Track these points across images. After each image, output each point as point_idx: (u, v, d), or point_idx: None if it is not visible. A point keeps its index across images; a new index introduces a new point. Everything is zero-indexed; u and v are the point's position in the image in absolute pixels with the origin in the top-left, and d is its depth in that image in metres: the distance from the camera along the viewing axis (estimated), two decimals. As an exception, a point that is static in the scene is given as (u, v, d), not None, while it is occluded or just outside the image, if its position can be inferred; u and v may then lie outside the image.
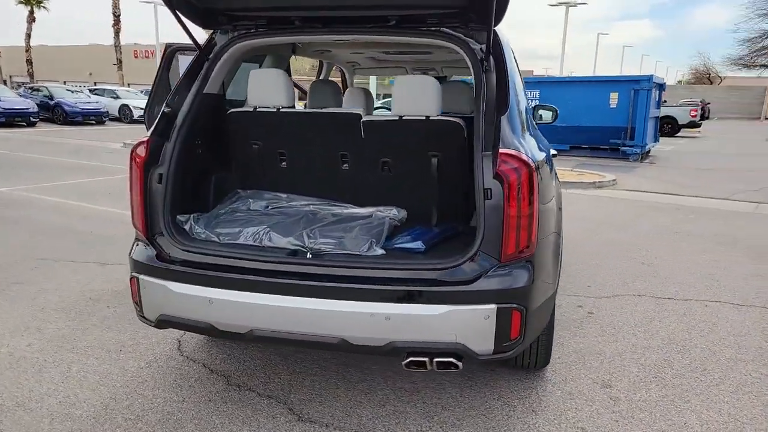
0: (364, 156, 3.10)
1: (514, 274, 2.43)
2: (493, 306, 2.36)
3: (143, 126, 3.29)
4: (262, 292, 2.47)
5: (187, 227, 2.82)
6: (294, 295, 2.44)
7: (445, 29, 2.77)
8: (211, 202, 3.21)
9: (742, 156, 16.90)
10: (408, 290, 2.39)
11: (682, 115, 25.06)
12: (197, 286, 2.55)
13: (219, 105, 3.14)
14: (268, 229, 2.74)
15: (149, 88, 3.94)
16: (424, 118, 2.82)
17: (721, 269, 5.46)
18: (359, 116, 2.99)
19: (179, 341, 3.65)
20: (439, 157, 2.93)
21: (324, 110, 3.17)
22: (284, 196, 3.25)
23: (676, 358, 3.55)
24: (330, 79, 5.30)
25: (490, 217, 2.39)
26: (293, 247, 2.66)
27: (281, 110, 3.07)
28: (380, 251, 2.61)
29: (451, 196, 3.05)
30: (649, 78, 14.42)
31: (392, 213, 2.99)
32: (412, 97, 2.82)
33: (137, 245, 2.82)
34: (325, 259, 2.55)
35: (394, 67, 5.52)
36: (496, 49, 2.71)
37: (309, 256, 2.58)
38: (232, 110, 3.17)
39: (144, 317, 2.75)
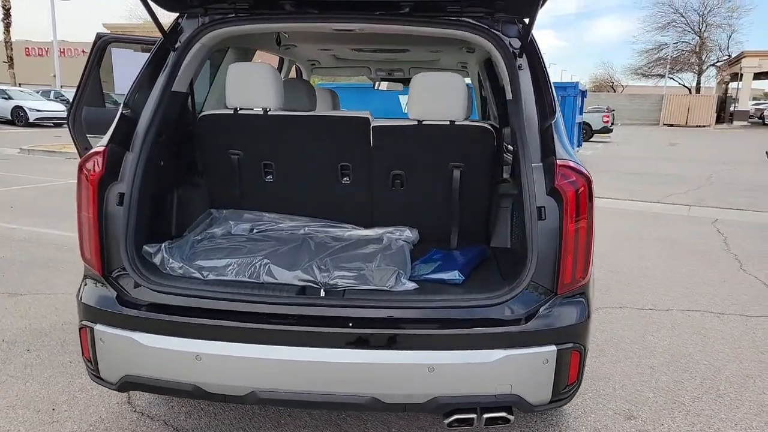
0: (370, 168, 2.62)
1: (571, 308, 2.06)
2: (553, 348, 1.98)
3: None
4: (266, 344, 1.95)
5: (156, 260, 2.23)
6: (308, 345, 1.94)
7: (467, 19, 2.36)
8: (174, 225, 2.62)
9: (657, 159, 17.72)
10: (455, 334, 1.95)
11: (596, 121, 26.16)
12: (178, 338, 1.98)
13: (187, 107, 2.56)
14: (267, 261, 2.20)
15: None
16: (448, 123, 2.40)
17: (684, 275, 5.43)
18: (368, 121, 2.51)
19: (128, 393, 2.99)
20: (462, 168, 2.51)
21: (325, 114, 2.67)
22: (269, 216, 2.71)
23: (685, 378, 3.34)
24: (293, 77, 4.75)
25: (542, 241, 2.01)
26: (301, 283, 2.15)
27: (269, 113, 2.54)
28: (411, 285, 2.14)
29: (474, 214, 2.64)
30: (576, 85, 14.82)
31: (405, 235, 2.53)
32: (434, 98, 2.38)
33: (87, 284, 2.20)
34: (345, 298, 2.06)
35: (357, 67, 5.04)
36: (530, 44, 2.33)
37: (322, 293, 2.08)
38: (206, 113, 2.60)
39: (100, 378, 2.14)
